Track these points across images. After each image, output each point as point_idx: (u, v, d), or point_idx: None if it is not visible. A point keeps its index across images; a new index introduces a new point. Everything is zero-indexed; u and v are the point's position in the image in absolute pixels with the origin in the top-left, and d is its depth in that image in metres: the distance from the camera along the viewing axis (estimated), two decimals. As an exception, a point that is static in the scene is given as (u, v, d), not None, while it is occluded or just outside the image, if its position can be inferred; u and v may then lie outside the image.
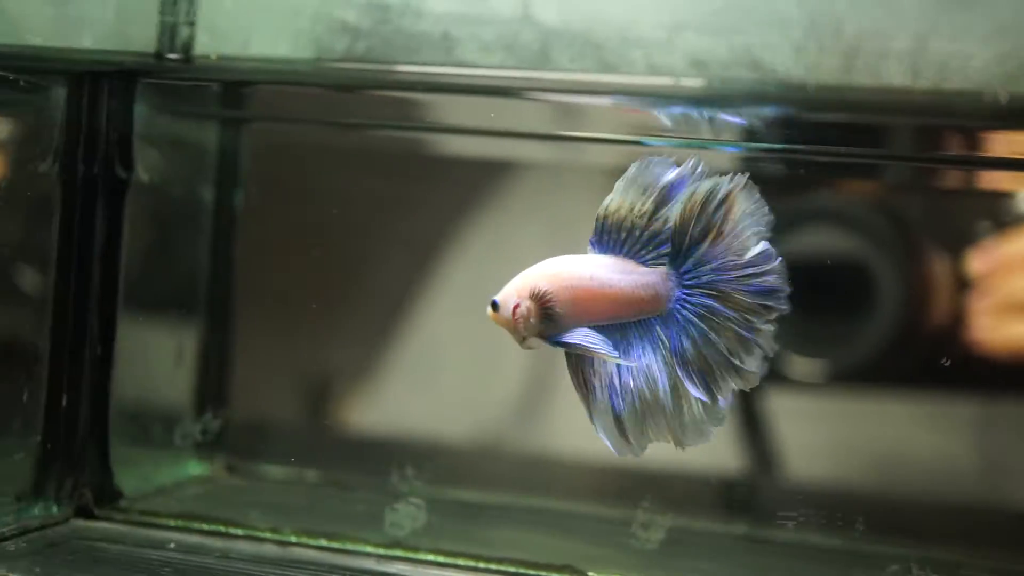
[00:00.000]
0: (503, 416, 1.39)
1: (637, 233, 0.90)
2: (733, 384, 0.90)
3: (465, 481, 1.34)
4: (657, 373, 0.91)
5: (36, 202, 1.17)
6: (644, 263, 0.91)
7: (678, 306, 0.91)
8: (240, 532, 1.17)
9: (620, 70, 1.10)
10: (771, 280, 0.90)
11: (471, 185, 1.40)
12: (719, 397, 0.90)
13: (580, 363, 0.91)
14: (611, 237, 0.91)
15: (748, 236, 0.90)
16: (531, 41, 1.12)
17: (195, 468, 1.36)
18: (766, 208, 0.90)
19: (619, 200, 0.90)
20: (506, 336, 0.91)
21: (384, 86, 1.21)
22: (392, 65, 1.17)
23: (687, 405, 0.90)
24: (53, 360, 1.17)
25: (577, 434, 0.99)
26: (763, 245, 0.90)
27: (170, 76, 1.23)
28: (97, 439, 1.22)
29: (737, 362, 0.89)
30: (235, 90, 1.31)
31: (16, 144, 1.13)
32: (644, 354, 0.91)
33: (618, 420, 0.90)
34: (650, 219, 0.90)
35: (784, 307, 0.90)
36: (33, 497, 1.16)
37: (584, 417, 0.90)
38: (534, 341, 0.90)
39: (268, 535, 1.17)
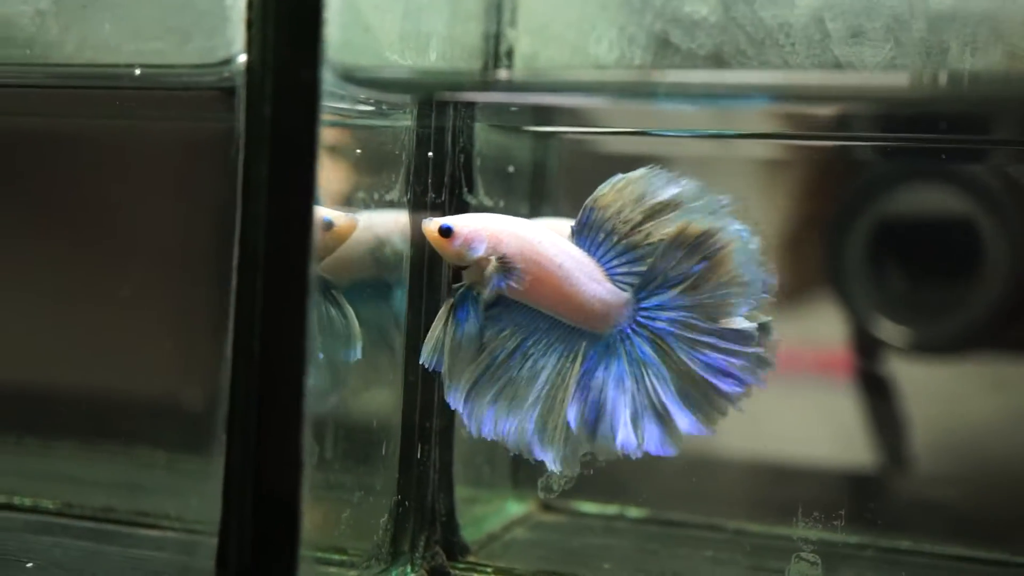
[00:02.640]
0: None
1: (615, 239, 0.86)
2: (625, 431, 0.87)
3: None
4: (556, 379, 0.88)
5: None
6: (613, 276, 0.87)
7: (622, 335, 0.87)
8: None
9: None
10: (734, 363, 0.85)
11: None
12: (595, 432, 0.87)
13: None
14: (592, 233, 0.86)
15: (730, 304, 0.84)
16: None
17: (514, 507, 1.26)
18: (767, 283, 0.85)
19: (611, 196, 0.86)
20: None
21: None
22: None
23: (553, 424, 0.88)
24: (407, 405, 1.05)
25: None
26: (745, 324, 0.84)
27: (507, 91, 1.12)
28: (445, 490, 1.11)
29: (630, 425, 0.87)
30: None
31: (370, 172, 1.01)
32: (550, 354, 0.88)
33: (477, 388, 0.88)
34: (633, 229, 0.85)
35: (733, 401, 0.85)
36: (391, 561, 1.05)
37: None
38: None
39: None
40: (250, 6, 0.88)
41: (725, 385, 0.86)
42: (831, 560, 0.99)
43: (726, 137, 1.20)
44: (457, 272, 0.90)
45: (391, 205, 1.04)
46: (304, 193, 0.86)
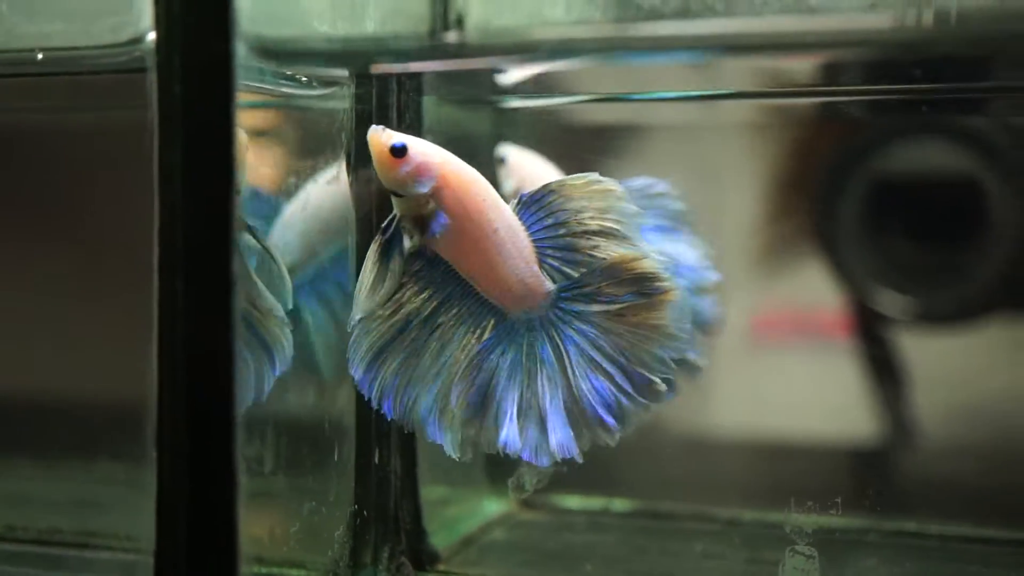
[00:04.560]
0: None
1: (561, 231, 0.80)
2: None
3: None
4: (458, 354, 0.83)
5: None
6: (543, 263, 0.81)
7: (529, 324, 0.82)
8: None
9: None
10: (623, 404, 0.82)
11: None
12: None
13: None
14: (541, 212, 0.81)
15: (644, 349, 0.81)
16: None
17: (492, 506, 1.17)
18: (691, 345, 0.84)
19: (579, 191, 0.80)
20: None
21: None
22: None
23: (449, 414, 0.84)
24: (360, 404, 0.97)
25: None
26: (653, 378, 0.82)
27: (456, 57, 1.03)
28: (409, 495, 1.02)
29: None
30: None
31: (305, 154, 0.93)
32: (458, 326, 0.83)
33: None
34: (584, 233, 0.80)
35: (609, 439, 0.82)
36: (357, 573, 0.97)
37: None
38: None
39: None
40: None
41: (606, 418, 0.83)
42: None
43: (701, 98, 1.11)
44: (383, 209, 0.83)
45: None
46: (222, 179, 0.77)
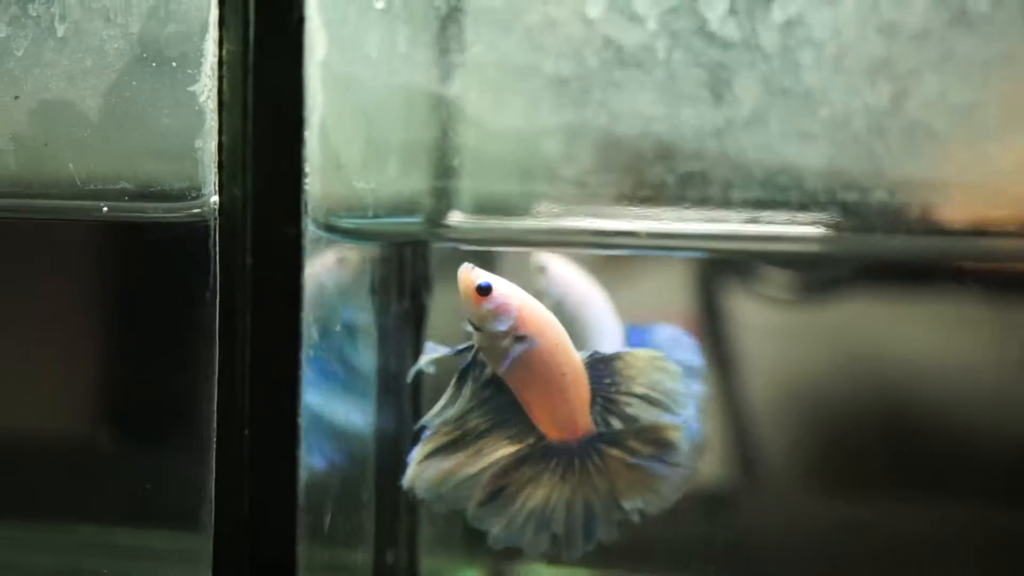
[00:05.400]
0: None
1: (612, 390, 0.90)
2: None
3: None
4: None
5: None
6: (592, 405, 0.90)
7: (562, 450, 0.91)
8: None
9: None
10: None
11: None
12: None
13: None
14: (603, 370, 0.90)
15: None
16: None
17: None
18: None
19: (640, 363, 0.90)
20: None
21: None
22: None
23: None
24: (379, 511, 1.09)
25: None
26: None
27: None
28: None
29: None
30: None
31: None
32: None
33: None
34: (630, 395, 0.90)
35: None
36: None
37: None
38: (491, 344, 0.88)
39: None
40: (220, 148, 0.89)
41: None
42: None
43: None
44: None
45: (356, 317, 1.06)
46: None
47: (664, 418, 0.90)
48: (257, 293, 0.90)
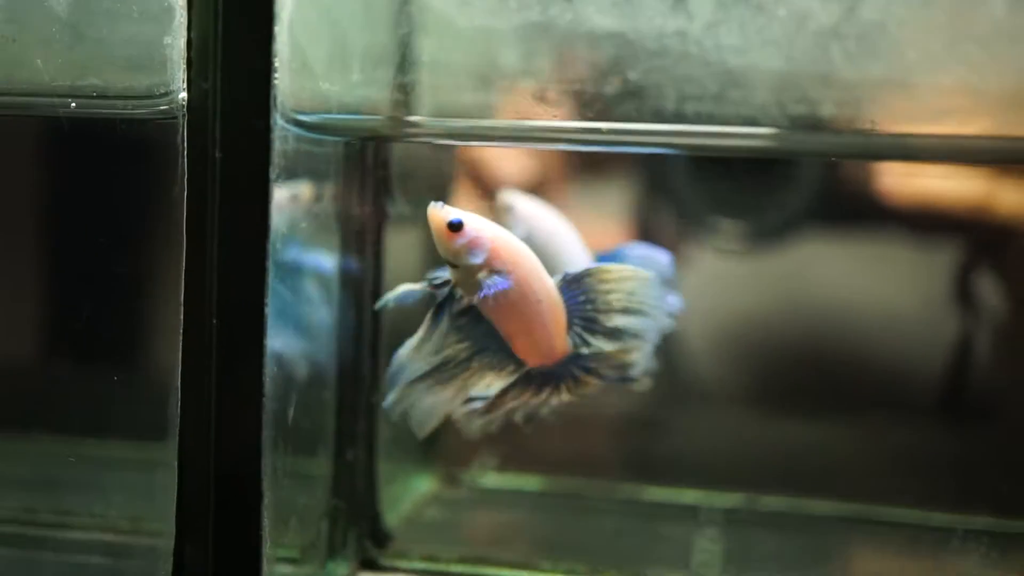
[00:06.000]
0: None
1: (589, 308, 0.93)
2: None
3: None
4: None
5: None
6: (570, 328, 0.93)
7: (543, 374, 0.94)
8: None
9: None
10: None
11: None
12: None
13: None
14: (578, 291, 0.93)
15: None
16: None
17: (422, 483, 1.33)
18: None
19: (613, 277, 0.92)
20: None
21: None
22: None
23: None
24: (340, 410, 1.11)
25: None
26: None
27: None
28: (369, 482, 1.17)
29: None
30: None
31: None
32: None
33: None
34: (607, 313, 0.92)
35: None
36: (330, 557, 1.12)
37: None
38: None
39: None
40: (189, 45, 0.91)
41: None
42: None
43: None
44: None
45: (320, 219, 1.08)
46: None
47: (642, 326, 0.93)
48: (225, 186, 0.91)
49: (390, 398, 0.94)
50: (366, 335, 1.13)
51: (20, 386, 1.26)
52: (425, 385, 0.94)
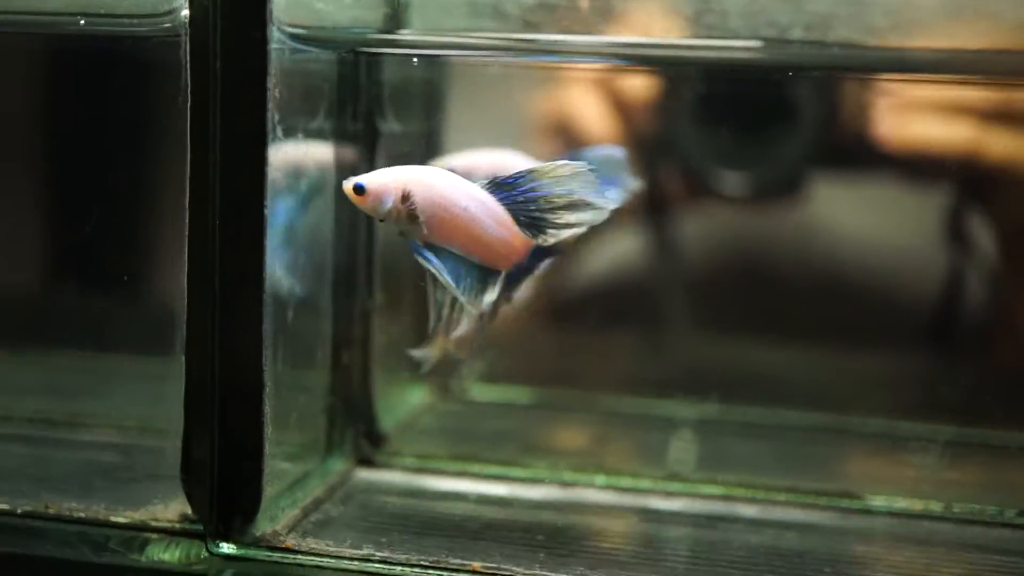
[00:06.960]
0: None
1: (531, 207, 0.96)
2: None
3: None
4: None
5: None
6: (518, 221, 0.97)
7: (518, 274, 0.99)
8: (521, 474, 1.22)
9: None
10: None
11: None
12: None
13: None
14: (515, 192, 0.96)
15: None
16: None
17: (416, 396, 1.39)
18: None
19: (550, 175, 0.95)
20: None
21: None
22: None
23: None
24: (336, 316, 1.18)
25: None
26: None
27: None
28: (366, 388, 1.24)
29: None
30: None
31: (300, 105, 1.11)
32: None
33: None
34: (551, 211, 0.96)
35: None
36: (328, 454, 1.19)
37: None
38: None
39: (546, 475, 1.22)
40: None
41: None
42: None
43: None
44: None
45: (316, 134, 1.14)
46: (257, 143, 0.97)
47: (589, 217, 0.97)
48: (226, 96, 0.98)
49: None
50: (361, 243, 1.20)
51: (34, 304, 1.33)
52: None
